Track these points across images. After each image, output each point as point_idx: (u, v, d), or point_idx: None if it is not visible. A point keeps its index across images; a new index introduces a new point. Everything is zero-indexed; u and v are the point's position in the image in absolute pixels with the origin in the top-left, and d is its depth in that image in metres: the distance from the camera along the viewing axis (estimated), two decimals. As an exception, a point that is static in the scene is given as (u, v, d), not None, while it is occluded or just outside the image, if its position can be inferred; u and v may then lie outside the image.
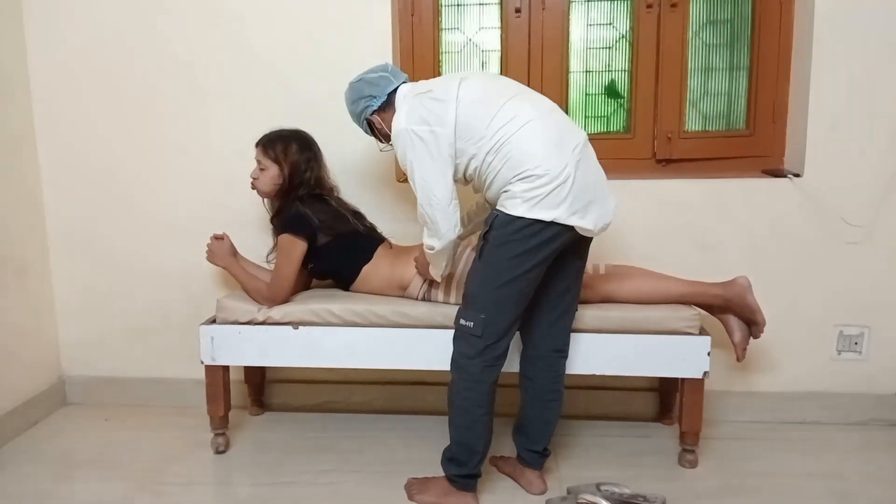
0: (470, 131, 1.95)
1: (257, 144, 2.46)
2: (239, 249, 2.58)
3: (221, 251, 2.53)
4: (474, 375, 2.02)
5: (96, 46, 2.74)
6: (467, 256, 2.37)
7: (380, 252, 2.48)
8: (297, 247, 2.37)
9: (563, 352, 2.20)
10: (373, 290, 2.47)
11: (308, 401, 2.87)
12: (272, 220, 2.52)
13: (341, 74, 2.61)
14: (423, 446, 2.52)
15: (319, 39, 2.67)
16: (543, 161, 1.89)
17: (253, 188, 2.48)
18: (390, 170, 2.71)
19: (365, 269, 2.45)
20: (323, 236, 2.40)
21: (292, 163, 2.42)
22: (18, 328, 2.74)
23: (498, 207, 1.96)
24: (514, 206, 1.90)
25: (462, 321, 2.02)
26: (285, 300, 2.41)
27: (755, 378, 2.71)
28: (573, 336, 2.26)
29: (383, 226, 2.60)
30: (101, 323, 2.93)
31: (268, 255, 2.56)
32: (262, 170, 2.44)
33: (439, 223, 1.99)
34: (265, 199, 2.53)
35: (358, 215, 2.55)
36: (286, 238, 2.37)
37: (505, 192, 1.94)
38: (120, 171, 2.82)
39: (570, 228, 1.92)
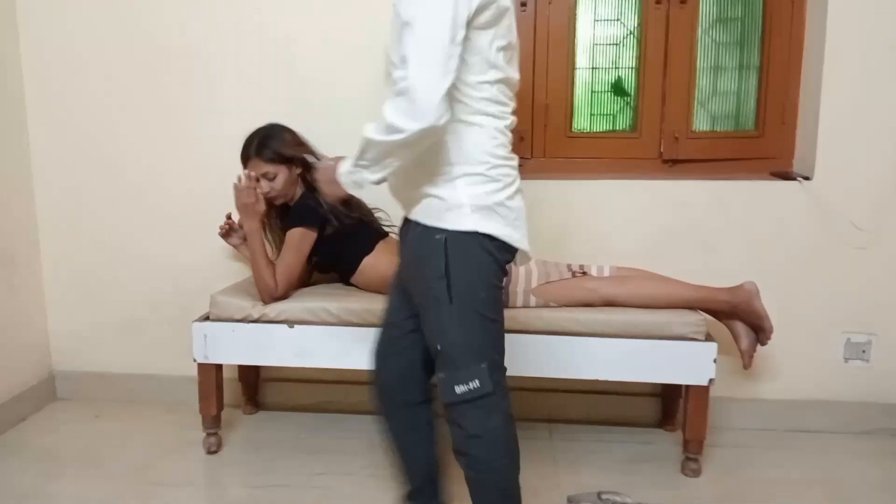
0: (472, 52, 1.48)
1: (248, 157, 2.36)
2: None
3: (258, 209, 2.31)
4: (507, 439, 1.64)
5: (91, 30, 2.68)
6: None
7: (381, 246, 2.42)
8: (308, 239, 2.32)
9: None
10: (371, 287, 2.41)
11: (303, 400, 2.81)
12: (277, 220, 2.45)
13: (347, 63, 2.57)
14: (419, 449, 2.47)
15: (326, 28, 2.60)
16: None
17: (273, 202, 2.39)
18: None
19: (365, 260, 2.39)
20: (330, 226, 2.34)
21: (294, 155, 2.36)
22: (6, 320, 2.68)
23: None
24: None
25: (459, 388, 1.57)
26: (286, 295, 2.35)
27: (760, 385, 2.65)
28: (575, 340, 2.21)
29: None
30: (92, 317, 2.87)
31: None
32: (271, 179, 2.35)
33: (432, 93, 1.38)
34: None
35: (360, 204, 2.49)
36: (298, 232, 2.31)
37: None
38: (112, 161, 2.76)
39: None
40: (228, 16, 2.62)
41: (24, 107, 2.75)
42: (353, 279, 2.44)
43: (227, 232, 2.51)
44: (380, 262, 2.38)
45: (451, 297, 1.55)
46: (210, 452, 2.46)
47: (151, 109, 2.71)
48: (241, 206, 2.32)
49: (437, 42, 1.39)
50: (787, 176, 2.57)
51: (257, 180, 2.34)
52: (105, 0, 2.65)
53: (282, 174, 2.36)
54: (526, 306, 2.26)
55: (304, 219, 2.32)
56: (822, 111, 2.49)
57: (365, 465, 2.38)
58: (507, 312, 2.18)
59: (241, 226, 2.41)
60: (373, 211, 2.52)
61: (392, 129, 1.42)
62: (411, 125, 1.39)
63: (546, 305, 2.26)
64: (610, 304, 2.28)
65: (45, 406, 2.86)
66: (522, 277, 2.29)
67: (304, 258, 2.34)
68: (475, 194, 1.54)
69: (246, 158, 2.38)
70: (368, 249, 2.40)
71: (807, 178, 2.53)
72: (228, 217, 2.49)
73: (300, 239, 2.31)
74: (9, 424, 2.66)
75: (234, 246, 2.54)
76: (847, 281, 2.56)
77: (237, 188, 2.30)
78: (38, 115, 2.76)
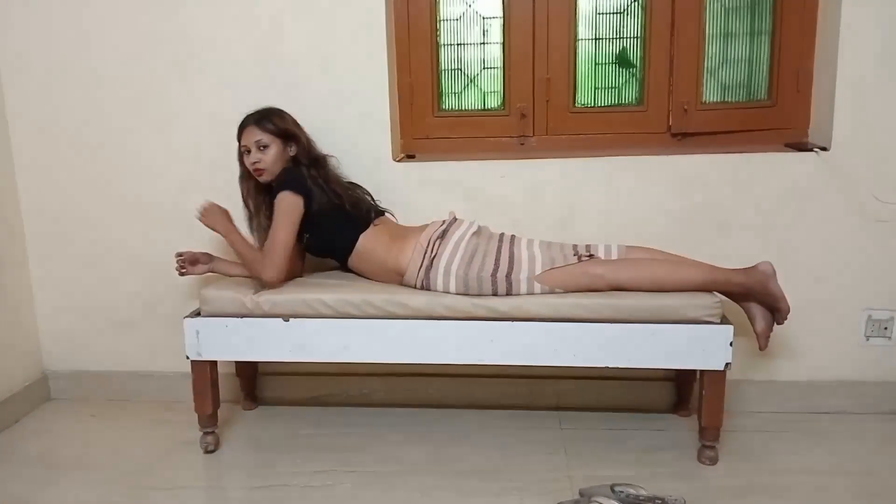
0: None
1: (247, 125, 2.31)
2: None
3: (219, 214, 2.31)
4: None
5: (70, 22, 2.56)
6: (465, 240, 2.25)
7: (379, 225, 2.36)
8: (296, 205, 2.24)
9: None
10: (369, 271, 2.33)
11: (304, 394, 2.73)
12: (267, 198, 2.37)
13: (332, 47, 2.49)
14: (424, 442, 2.40)
15: (307, 8, 2.48)
16: None
17: (258, 174, 2.32)
18: (386, 147, 2.54)
19: (362, 238, 2.31)
20: (318, 200, 2.27)
21: (294, 132, 2.33)
22: (-4, 321, 2.60)
23: None
24: None
25: None
26: (283, 273, 2.26)
27: (778, 366, 2.55)
28: (583, 326, 2.11)
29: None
30: (84, 315, 2.79)
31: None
32: (262, 148, 2.28)
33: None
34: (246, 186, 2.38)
35: (353, 185, 2.43)
36: (285, 195, 2.24)
37: None
38: (98, 157, 2.66)
39: None
40: (216, 3, 2.51)
41: (4, 104, 2.64)
42: (351, 262, 2.35)
43: (187, 267, 2.40)
44: (378, 242, 2.31)
45: None
46: (207, 452, 2.37)
47: (137, 104, 2.61)
48: (209, 223, 2.30)
49: None
50: (802, 147, 2.45)
51: (248, 151, 2.30)
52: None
53: (275, 147, 2.30)
54: (531, 293, 2.16)
55: (290, 182, 2.26)
56: (839, 77, 2.36)
57: (366, 461, 2.29)
58: (512, 300, 2.15)
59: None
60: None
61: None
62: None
63: (552, 292, 2.16)
64: (618, 289, 2.16)
65: (38, 407, 2.78)
66: (526, 264, 2.18)
67: (295, 225, 2.25)
68: None
69: (241, 129, 2.32)
70: (363, 227, 2.33)
71: (823, 149, 2.41)
72: (177, 256, 2.39)
73: (288, 202, 2.24)
74: (2, 427, 2.58)
75: (206, 272, 2.44)
76: (868, 255, 2.45)
77: (202, 213, 2.29)
78: (19, 110, 2.65)
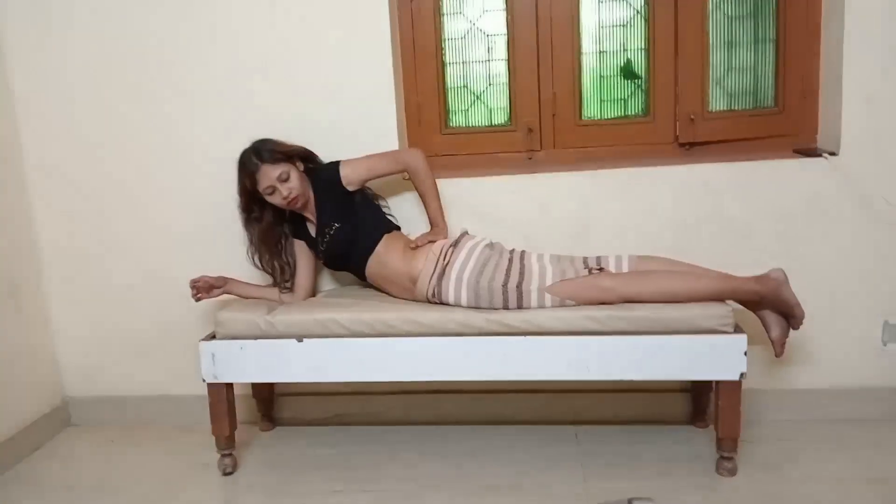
0: None
1: (257, 169, 2.27)
2: (241, 258, 2.47)
3: (210, 281, 2.39)
4: None
5: (80, 50, 2.61)
6: (477, 252, 2.27)
7: (396, 234, 2.41)
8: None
9: None
10: (384, 278, 2.36)
11: (320, 413, 2.73)
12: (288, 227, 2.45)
13: (336, 66, 2.51)
14: (440, 459, 2.39)
15: (313, 29, 2.51)
16: None
17: (294, 204, 2.32)
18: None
19: (385, 239, 2.35)
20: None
21: (292, 150, 2.34)
22: (16, 349, 2.63)
23: None
24: None
25: None
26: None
27: (794, 373, 2.52)
28: (596, 339, 2.11)
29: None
30: (102, 340, 2.81)
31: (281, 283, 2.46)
32: (284, 180, 2.27)
33: None
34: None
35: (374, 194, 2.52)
36: (342, 163, 2.36)
37: None
38: (112, 181, 2.69)
39: None
40: (221, 20, 2.55)
41: (18, 133, 2.68)
42: (369, 266, 2.36)
43: (202, 293, 2.41)
44: (395, 247, 2.34)
45: None
46: (226, 474, 2.39)
47: (147, 129, 2.64)
48: (207, 296, 2.41)
49: None
50: (811, 153, 2.43)
51: (273, 191, 2.29)
52: (97, 15, 2.58)
53: (293, 171, 2.31)
54: (542, 306, 2.16)
55: (330, 163, 2.37)
56: (846, 81, 2.36)
57: (383, 479, 2.30)
58: (523, 314, 2.15)
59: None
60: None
61: None
62: None
63: (562, 304, 2.16)
64: (629, 301, 2.15)
65: (59, 433, 2.81)
66: (536, 275, 2.19)
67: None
68: None
69: (252, 174, 2.28)
70: (385, 230, 2.39)
71: (833, 154, 2.40)
72: (192, 283, 2.40)
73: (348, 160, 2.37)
74: (25, 453, 2.61)
75: (221, 294, 2.46)
76: (883, 260, 2.43)
77: (194, 291, 2.39)
78: (33, 142, 2.69)
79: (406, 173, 2.43)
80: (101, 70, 2.62)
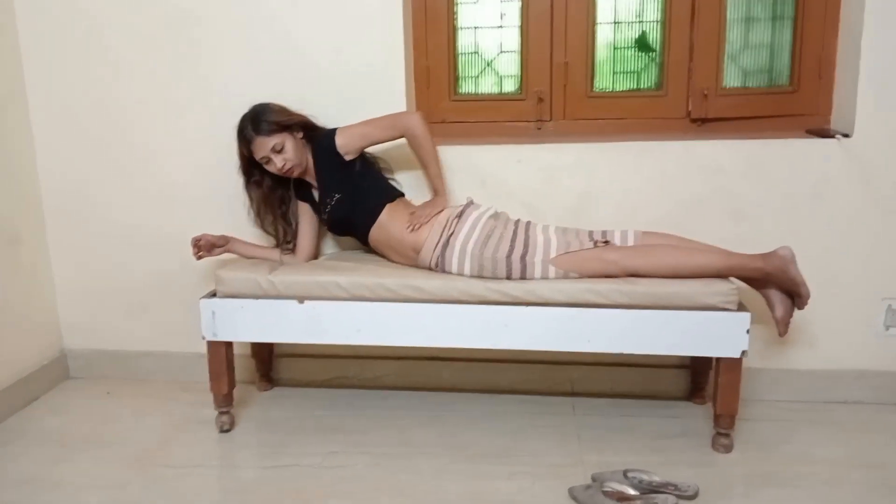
0: None
1: (252, 140, 2.27)
2: (242, 217, 2.46)
3: (211, 239, 2.36)
4: None
5: (90, 6, 2.57)
6: (481, 224, 2.24)
7: (401, 202, 2.40)
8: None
9: None
10: (388, 246, 2.35)
11: (318, 376, 2.74)
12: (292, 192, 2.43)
13: (345, 26, 2.47)
14: (436, 425, 2.40)
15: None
16: None
17: (290, 173, 2.31)
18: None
19: (388, 207, 2.33)
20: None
21: (290, 119, 2.31)
22: (15, 300, 2.63)
23: None
24: None
25: None
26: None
27: (794, 354, 2.52)
28: (598, 312, 2.10)
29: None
30: (102, 294, 2.81)
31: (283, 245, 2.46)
32: (278, 151, 2.27)
33: None
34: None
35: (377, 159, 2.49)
36: (341, 129, 2.32)
37: None
38: (115, 137, 2.67)
39: None
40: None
41: (24, 83, 2.66)
42: (373, 232, 2.35)
43: (203, 251, 2.37)
44: (399, 215, 2.33)
45: None
46: (223, 431, 2.40)
47: (151, 84, 2.61)
48: (208, 255, 2.38)
49: None
50: (824, 133, 2.41)
51: (268, 161, 2.29)
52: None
53: (288, 142, 2.29)
54: (545, 277, 2.15)
55: (329, 131, 2.33)
56: (863, 63, 2.32)
57: (379, 443, 2.30)
58: (526, 285, 2.14)
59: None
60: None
61: None
62: None
63: (566, 276, 2.14)
64: (633, 275, 2.15)
65: (57, 385, 2.81)
66: (541, 247, 2.17)
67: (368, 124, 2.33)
68: None
69: (248, 142, 2.29)
70: (389, 197, 2.36)
71: (846, 136, 2.37)
72: (194, 243, 2.36)
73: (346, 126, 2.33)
74: (20, 405, 2.62)
75: (223, 253, 2.45)
76: (888, 244, 2.41)
77: (195, 250, 2.34)
78: (38, 92, 2.67)
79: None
80: (110, 12, 2.58)
